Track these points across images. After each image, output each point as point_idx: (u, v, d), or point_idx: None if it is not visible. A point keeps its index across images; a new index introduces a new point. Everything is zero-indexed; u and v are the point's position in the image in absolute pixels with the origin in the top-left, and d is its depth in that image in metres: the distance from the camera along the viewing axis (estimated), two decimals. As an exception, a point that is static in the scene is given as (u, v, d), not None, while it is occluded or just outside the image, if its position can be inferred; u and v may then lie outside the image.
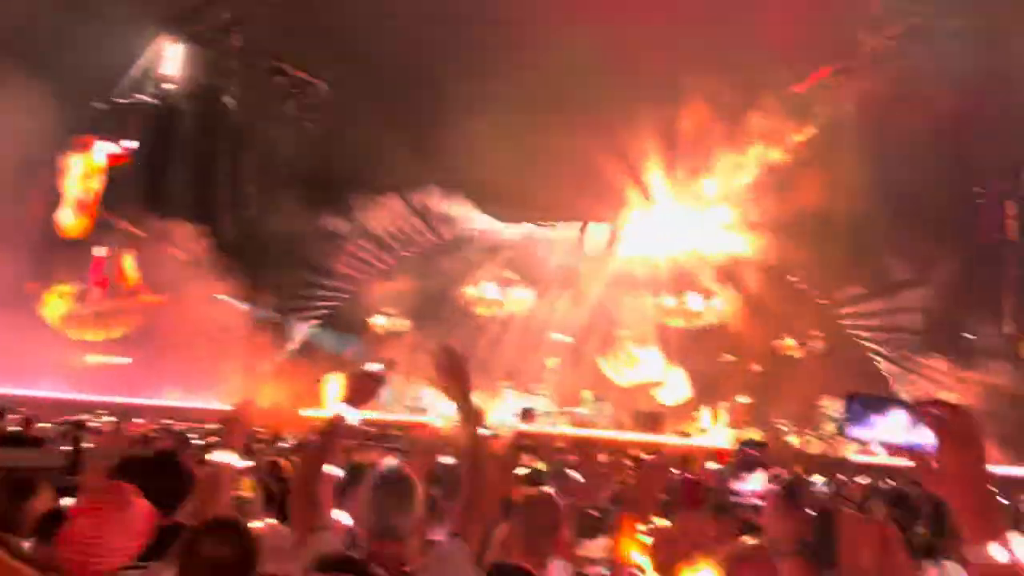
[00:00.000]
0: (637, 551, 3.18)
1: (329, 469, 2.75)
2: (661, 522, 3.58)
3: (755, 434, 14.75)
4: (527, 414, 18.10)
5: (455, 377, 2.71)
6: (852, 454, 14.08)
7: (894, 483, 8.17)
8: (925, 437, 1.46)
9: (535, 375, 19.76)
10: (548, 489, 3.39)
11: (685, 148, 19.26)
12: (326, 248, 21.00)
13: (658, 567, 3.07)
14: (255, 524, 3.18)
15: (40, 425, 9.14)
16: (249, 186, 21.03)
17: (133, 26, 19.51)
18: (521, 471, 5.50)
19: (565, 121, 17.34)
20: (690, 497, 7.97)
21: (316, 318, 21.20)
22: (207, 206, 19.91)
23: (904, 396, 1.52)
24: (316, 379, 18.34)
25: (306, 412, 15.74)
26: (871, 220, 16.54)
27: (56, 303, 18.51)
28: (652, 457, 7.59)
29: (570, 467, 5.62)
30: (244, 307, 19.44)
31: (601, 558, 3.80)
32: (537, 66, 17.43)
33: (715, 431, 17.55)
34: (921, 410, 1.47)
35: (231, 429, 2.97)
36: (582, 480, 4.91)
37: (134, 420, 11.06)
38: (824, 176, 16.52)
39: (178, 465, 2.97)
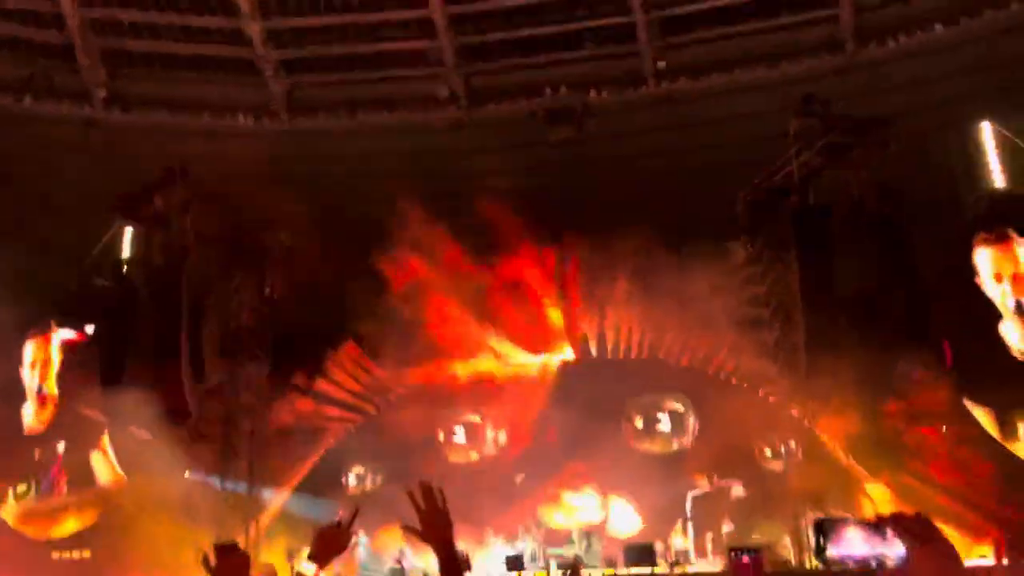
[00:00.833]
0: None
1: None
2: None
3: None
4: (513, 563, 17.61)
5: (435, 521, 2.60)
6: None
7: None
8: (893, 548, 1.59)
9: (517, 519, 19.36)
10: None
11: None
12: (294, 412, 20.74)
13: None
14: None
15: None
16: (210, 357, 20.91)
17: (88, 213, 19.95)
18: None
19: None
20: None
21: (289, 485, 20.64)
22: (169, 383, 19.68)
23: (867, 516, 1.67)
24: (293, 548, 17.77)
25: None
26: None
27: (12, 504, 17.95)
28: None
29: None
30: (213, 482, 18.92)
31: None
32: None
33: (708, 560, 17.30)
34: (886, 525, 1.59)
35: None
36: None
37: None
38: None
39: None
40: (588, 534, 18.50)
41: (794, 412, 17.64)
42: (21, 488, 18.11)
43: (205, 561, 2.73)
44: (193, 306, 19.92)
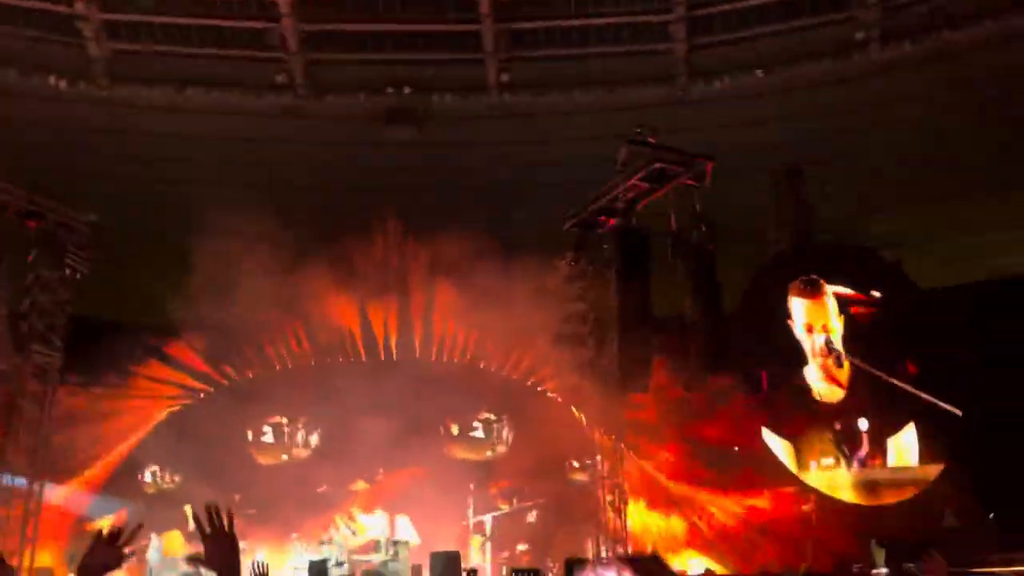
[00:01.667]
0: None
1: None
2: None
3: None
4: (317, 569, 17.20)
5: (220, 546, 2.45)
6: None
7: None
8: None
9: (323, 523, 18.96)
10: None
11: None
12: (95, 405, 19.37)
13: None
14: None
15: None
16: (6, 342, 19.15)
17: None
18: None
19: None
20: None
21: (78, 481, 19.21)
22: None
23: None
24: (76, 551, 16.53)
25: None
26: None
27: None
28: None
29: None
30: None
31: None
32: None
33: None
34: (626, 564, 1.60)
35: None
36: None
37: None
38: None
39: None
40: (395, 542, 18.36)
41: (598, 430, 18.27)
42: None
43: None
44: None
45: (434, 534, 19.01)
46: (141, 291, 19.36)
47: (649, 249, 17.51)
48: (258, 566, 5.62)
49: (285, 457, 20.89)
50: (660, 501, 18.76)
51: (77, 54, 20.98)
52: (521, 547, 18.95)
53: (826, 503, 18.45)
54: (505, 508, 19.41)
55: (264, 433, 20.82)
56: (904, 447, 19.19)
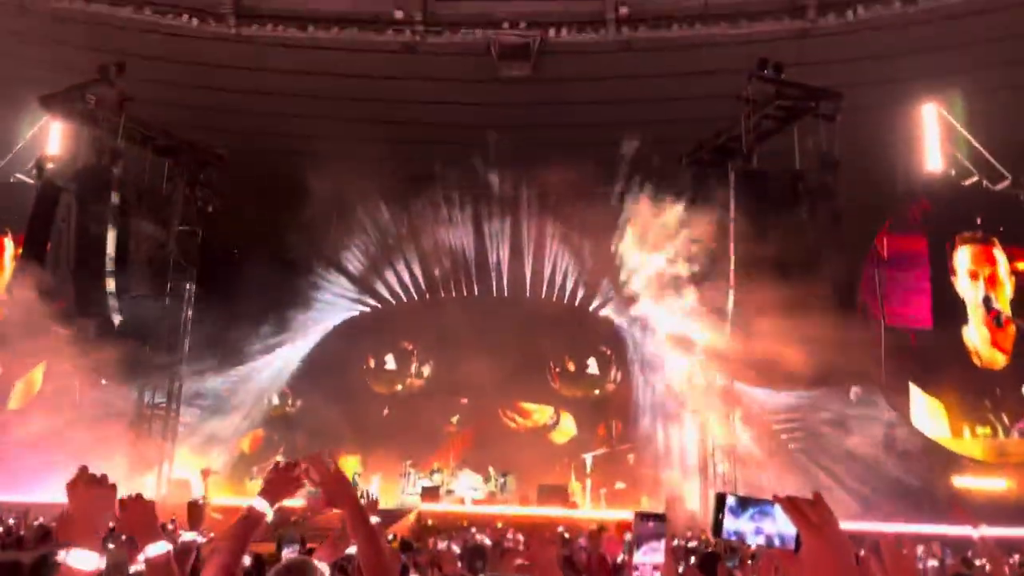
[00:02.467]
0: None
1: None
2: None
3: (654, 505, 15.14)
4: (429, 494, 17.90)
5: (334, 488, 2.62)
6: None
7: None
8: (789, 529, 1.63)
9: (439, 453, 19.63)
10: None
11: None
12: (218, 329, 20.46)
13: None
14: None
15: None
16: (136, 266, 20.38)
17: (14, 106, 19.01)
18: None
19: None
20: (597, 572, 8.03)
21: (207, 403, 20.44)
22: (91, 288, 19.16)
23: (767, 496, 1.71)
24: (207, 466, 17.74)
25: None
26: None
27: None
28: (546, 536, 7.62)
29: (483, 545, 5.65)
30: (131, 393, 18.62)
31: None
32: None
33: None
34: (782, 505, 1.63)
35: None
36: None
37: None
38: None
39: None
40: (504, 473, 18.87)
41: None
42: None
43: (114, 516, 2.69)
44: (121, 210, 19.28)
45: (537, 467, 19.49)
46: (265, 224, 20.15)
47: (770, 190, 17.02)
48: (367, 495, 5.95)
49: (399, 387, 21.60)
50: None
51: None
52: (619, 485, 19.17)
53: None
54: (603, 450, 19.65)
55: (385, 362, 21.56)
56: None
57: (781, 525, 1.67)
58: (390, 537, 9.59)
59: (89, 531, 2.30)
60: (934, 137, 19.56)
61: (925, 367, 17.86)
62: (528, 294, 21.55)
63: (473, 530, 12.78)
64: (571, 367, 21.39)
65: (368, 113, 20.47)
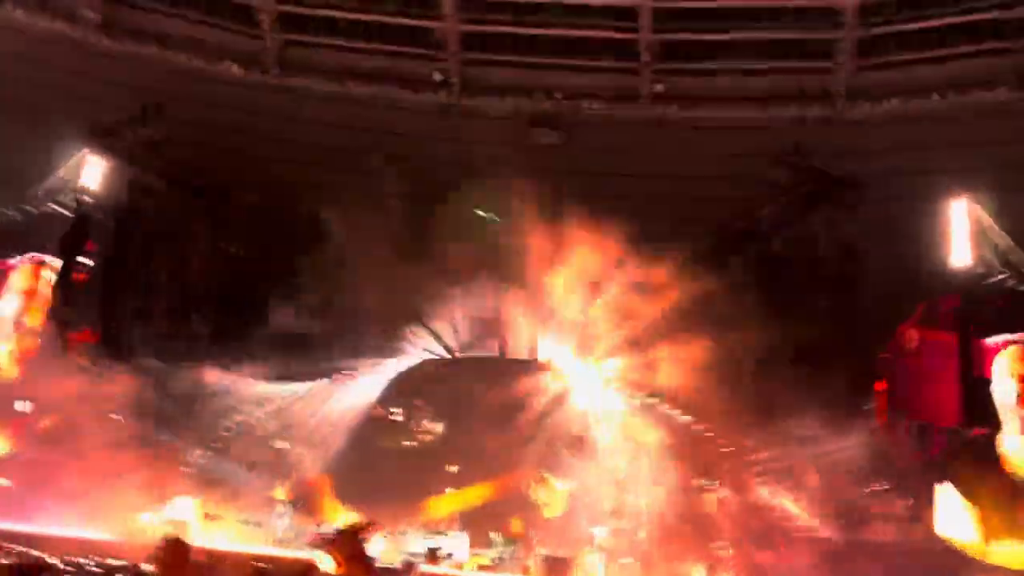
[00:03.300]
0: None
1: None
2: None
3: None
4: (433, 554, 17.71)
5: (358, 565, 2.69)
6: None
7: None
8: None
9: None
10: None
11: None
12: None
13: None
14: None
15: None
16: (159, 302, 20.69)
17: (55, 137, 19.52)
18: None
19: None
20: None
21: (216, 444, 20.46)
22: (114, 321, 19.46)
23: None
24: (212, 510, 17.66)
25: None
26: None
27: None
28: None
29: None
30: (142, 428, 18.67)
31: None
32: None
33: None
34: None
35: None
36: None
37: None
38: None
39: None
40: (512, 540, 18.66)
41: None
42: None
43: (155, 556, 2.86)
44: (146, 248, 19.66)
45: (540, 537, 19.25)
46: (286, 269, 20.39)
47: (791, 276, 17.09)
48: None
49: (407, 443, 21.50)
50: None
51: (250, 43, 22.31)
52: (624, 561, 18.83)
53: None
54: (616, 523, 19.36)
55: (393, 413, 21.53)
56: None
57: None
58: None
59: None
60: (963, 232, 19.55)
61: (951, 469, 16.96)
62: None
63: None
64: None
65: (403, 170, 20.82)
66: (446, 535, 18.74)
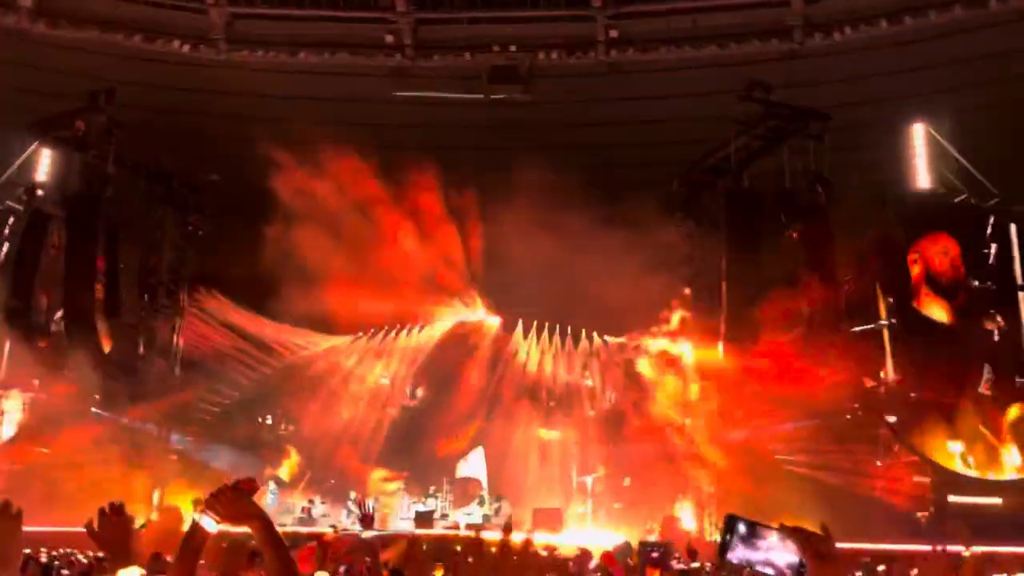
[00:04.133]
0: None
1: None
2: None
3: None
4: (422, 518, 17.73)
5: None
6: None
7: None
8: (793, 558, 1.61)
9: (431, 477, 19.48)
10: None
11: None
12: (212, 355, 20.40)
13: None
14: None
15: None
16: (125, 292, 20.33)
17: (2, 132, 18.99)
18: None
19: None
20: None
21: (201, 431, 20.27)
22: (81, 316, 19.08)
23: (773, 524, 1.70)
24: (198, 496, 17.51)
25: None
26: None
27: None
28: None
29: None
30: (122, 421, 18.46)
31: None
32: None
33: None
34: (791, 535, 1.62)
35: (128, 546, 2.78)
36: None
37: None
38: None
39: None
40: (499, 498, 18.74)
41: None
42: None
43: (89, 526, 2.79)
44: (110, 236, 19.26)
45: (537, 491, 19.39)
46: (253, 247, 20.09)
47: (762, 210, 17.08)
48: (367, 506, 5.92)
49: (391, 411, 21.49)
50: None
51: (195, 19, 21.73)
52: (616, 505, 19.05)
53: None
54: (603, 471, 19.55)
55: (384, 376, 21.52)
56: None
57: (787, 554, 1.68)
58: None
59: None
60: (922, 156, 19.64)
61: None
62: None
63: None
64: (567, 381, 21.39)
65: (361, 137, 20.48)
66: (435, 497, 18.80)
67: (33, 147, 19.87)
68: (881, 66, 19.78)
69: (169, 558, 3.75)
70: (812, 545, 1.65)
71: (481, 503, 18.72)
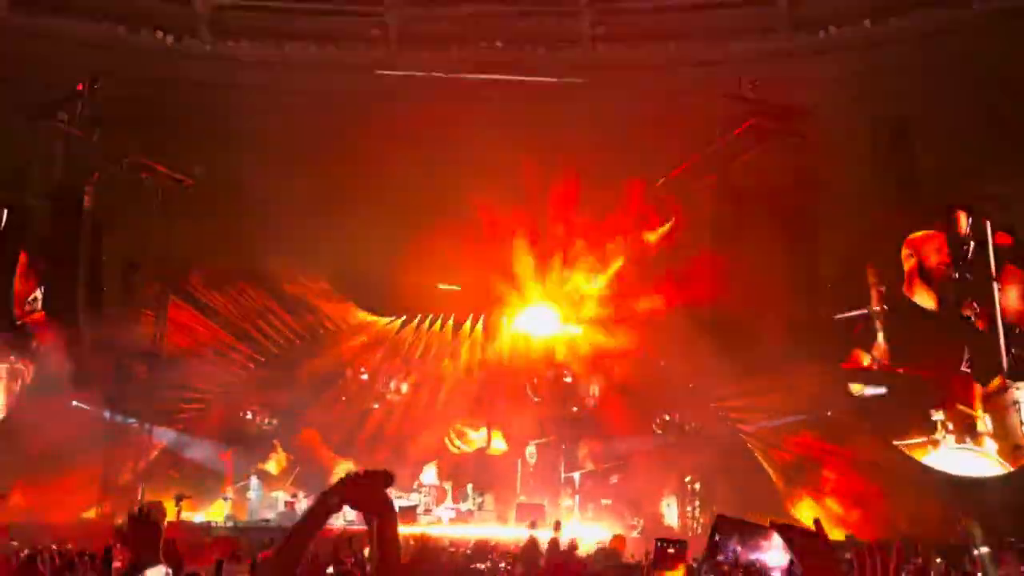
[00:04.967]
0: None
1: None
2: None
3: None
4: (406, 514, 17.75)
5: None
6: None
7: None
8: (784, 556, 1.59)
9: (414, 473, 19.47)
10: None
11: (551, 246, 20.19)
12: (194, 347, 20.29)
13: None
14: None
15: None
16: (109, 286, 20.18)
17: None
18: None
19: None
20: None
21: (184, 424, 20.16)
22: (63, 307, 18.95)
23: (764, 522, 1.68)
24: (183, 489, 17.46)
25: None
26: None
27: None
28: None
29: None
30: (104, 415, 18.33)
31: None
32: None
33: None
34: (780, 533, 1.60)
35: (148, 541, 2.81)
36: None
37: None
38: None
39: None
40: (482, 492, 18.79)
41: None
42: None
43: (119, 531, 2.85)
44: (93, 228, 19.09)
45: (524, 486, 19.49)
46: (237, 239, 20.03)
47: (748, 208, 17.17)
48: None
49: (376, 405, 21.45)
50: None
51: (180, 9, 21.51)
52: (605, 501, 19.15)
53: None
54: (591, 467, 19.64)
55: (362, 372, 21.47)
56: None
57: (778, 552, 1.64)
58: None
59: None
60: (904, 154, 19.82)
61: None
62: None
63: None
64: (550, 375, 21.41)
65: (348, 131, 20.39)
66: (420, 492, 18.83)
67: (15, 138, 19.63)
68: (864, 65, 19.85)
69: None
70: (803, 542, 1.60)
71: (464, 498, 18.78)
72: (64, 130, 19.01)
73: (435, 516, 18.40)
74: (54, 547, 9.95)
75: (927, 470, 17.28)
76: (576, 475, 19.39)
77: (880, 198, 19.54)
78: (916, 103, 19.39)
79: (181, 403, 19.93)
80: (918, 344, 18.02)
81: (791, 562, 1.62)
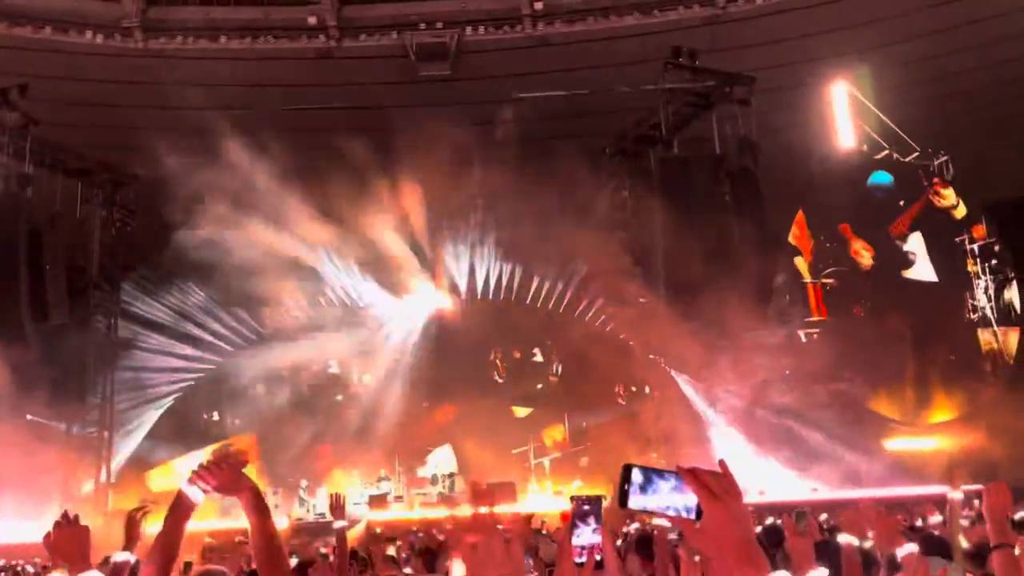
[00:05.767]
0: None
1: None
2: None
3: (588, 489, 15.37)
4: (376, 501, 17.73)
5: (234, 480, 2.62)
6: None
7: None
8: (692, 500, 1.60)
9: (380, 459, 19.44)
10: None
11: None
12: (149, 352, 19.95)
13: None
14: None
15: None
16: (53, 293, 19.65)
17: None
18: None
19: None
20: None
21: (146, 430, 19.84)
22: (7, 320, 18.41)
23: (669, 467, 1.68)
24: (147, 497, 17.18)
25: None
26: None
27: None
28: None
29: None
30: (58, 426, 17.92)
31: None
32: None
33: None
34: (685, 476, 1.61)
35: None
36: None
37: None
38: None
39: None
40: (450, 475, 18.81)
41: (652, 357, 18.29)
42: None
43: (46, 537, 2.82)
44: (33, 236, 18.55)
45: (496, 468, 19.53)
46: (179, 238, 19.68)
47: (692, 175, 17.28)
48: (335, 498, 5.97)
49: (339, 397, 21.33)
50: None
51: (108, 8, 20.96)
52: (577, 483, 19.32)
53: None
54: (558, 454, 19.84)
55: (330, 366, 21.32)
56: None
57: (685, 495, 1.63)
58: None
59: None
60: (845, 115, 20.12)
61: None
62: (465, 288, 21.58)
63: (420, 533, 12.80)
64: (516, 355, 21.43)
65: (288, 122, 20.09)
66: (388, 480, 18.80)
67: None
68: (802, 28, 20.09)
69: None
70: (705, 484, 1.59)
71: (434, 482, 18.80)
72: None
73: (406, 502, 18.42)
74: (22, 563, 9.78)
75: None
76: (546, 460, 19.55)
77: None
78: (856, 63, 19.73)
79: (142, 409, 19.59)
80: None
81: (698, 505, 1.61)
